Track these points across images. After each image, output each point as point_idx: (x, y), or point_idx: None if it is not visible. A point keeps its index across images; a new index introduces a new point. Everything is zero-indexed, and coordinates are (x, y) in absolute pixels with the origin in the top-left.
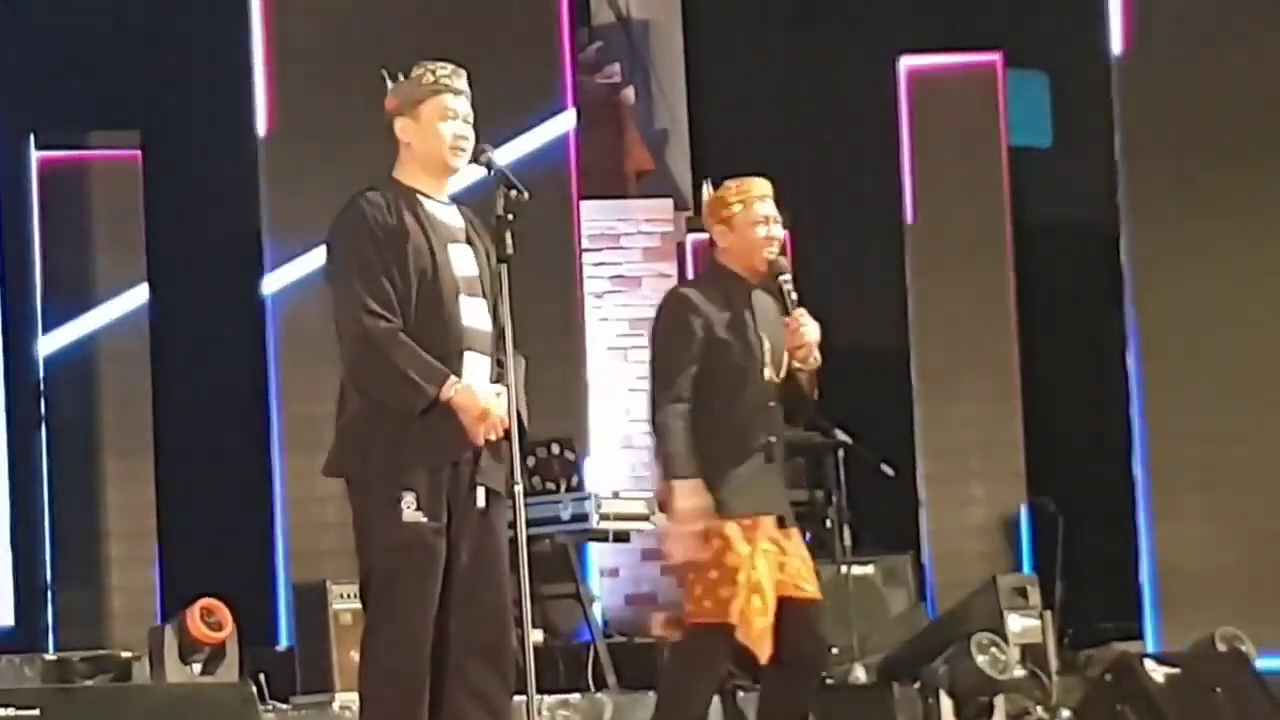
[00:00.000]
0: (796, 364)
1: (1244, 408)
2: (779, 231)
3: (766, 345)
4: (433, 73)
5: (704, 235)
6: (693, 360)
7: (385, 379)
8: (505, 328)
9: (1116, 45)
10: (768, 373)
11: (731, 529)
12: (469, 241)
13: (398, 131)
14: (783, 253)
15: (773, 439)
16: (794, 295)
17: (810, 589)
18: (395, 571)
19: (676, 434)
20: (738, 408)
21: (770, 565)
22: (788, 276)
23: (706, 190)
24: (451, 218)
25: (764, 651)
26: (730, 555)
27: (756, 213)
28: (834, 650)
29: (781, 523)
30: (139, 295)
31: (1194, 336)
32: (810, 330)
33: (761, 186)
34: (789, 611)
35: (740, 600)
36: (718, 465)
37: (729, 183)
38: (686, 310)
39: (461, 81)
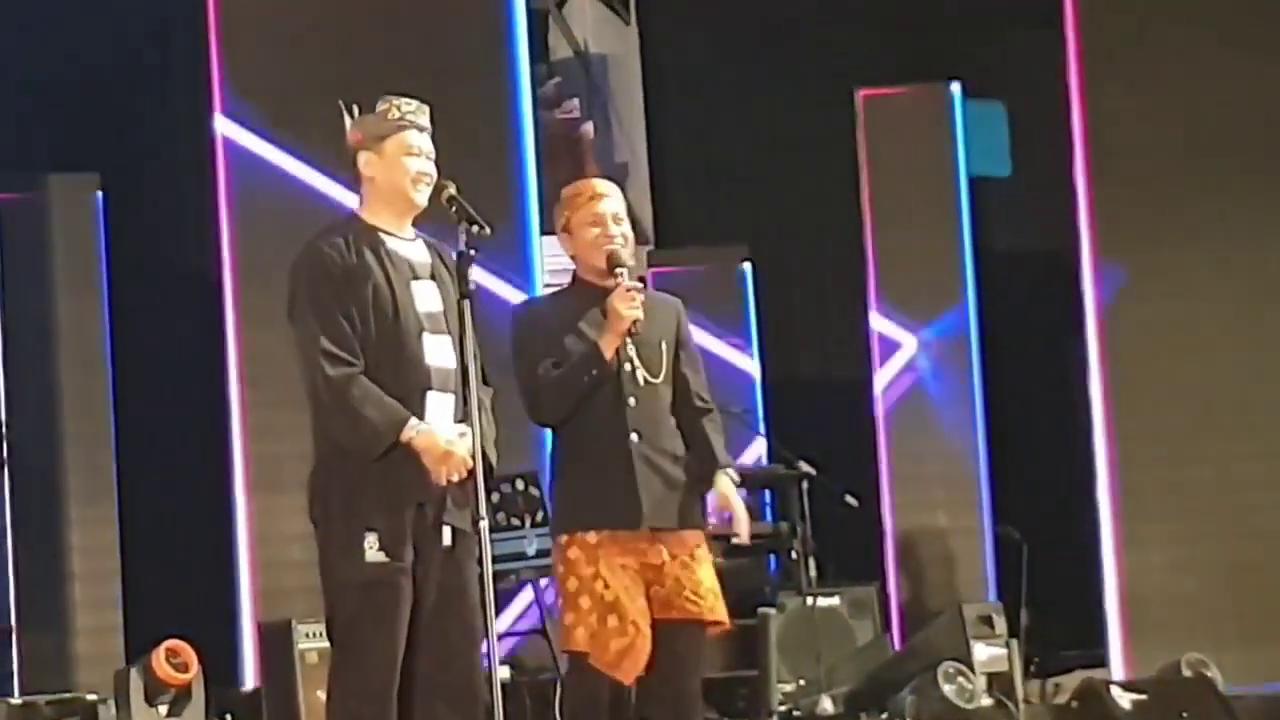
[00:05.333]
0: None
1: (1208, 435)
2: (618, 229)
3: (629, 347)
4: (398, 108)
5: (670, 269)
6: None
7: (344, 424)
8: (469, 364)
9: (1074, 73)
10: (640, 374)
11: (574, 550)
12: (434, 276)
13: (361, 165)
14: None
15: (634, 439)
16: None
17: (696, 607)
18: (360, 612)
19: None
20: (586, 415)
21: (633, 581)
22: (623, 270)
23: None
24: (415, 253)
25: (625, 674)
26: (570, 580)
27: (587, 213)
28: (801, 682)
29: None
30: (99, 335)
31: (1157, 364)
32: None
33: (596, 187)
34: (662, 631)
35: (587, 624)
36: (568, 477)
37: (566, 189)
38: (521, 324)
39: (425, 118)
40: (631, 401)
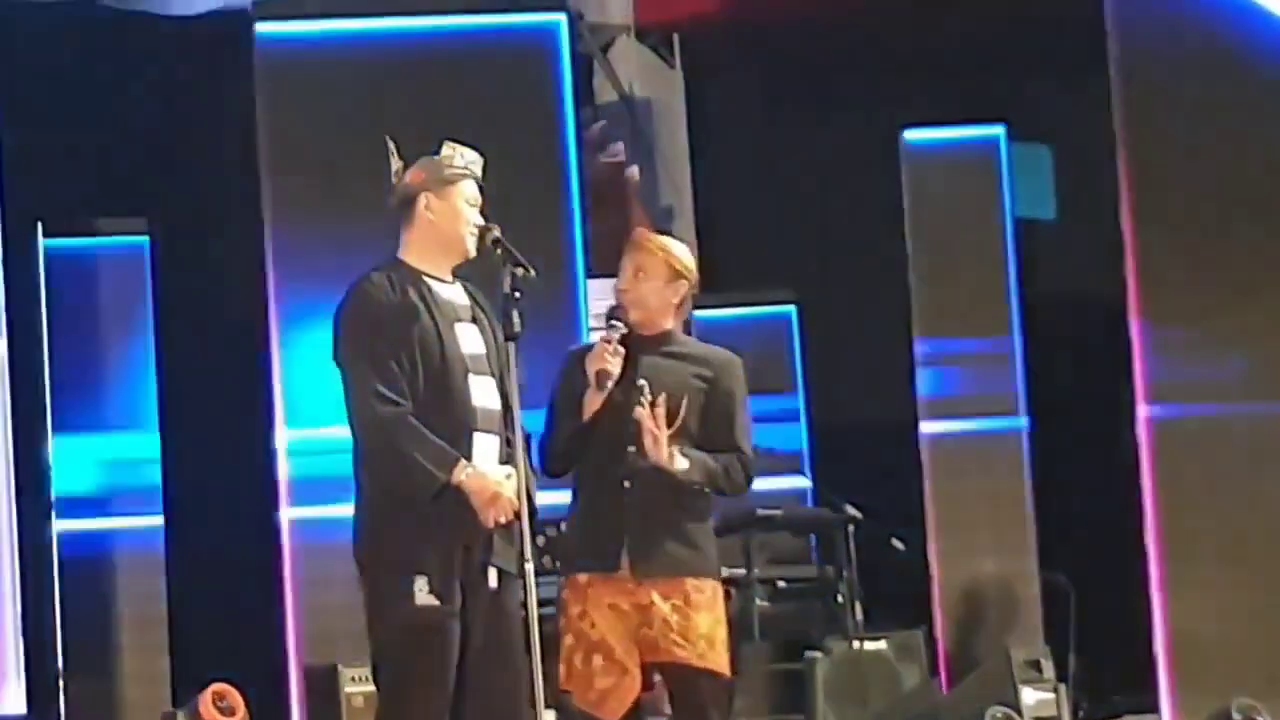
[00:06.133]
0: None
1: (1256, 477)
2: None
3: (647, 394)
4: (462, 155)
5: (714, 311)
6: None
7: (395, 465)
8: (513, 406)
9: (1119, 116)
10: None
11: (566, 590)
12: (475, 319)
13: (421, 207)
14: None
15: (626, 485)
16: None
17: (684, 651)
18: (407, 655)
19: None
20: (591, 461)
21: (623, 623)
22: (616, 322)
23: None
24: (456, 296)
25: (610, 713)
26: (560, 619)
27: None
28: None
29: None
30: (147, 381)
31: (1205, 404)
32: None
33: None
34: (666, 677)
35: (569, 663)
36: (570, 520)
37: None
38: (559, 373)
39: (480, 169)
40: (632, 449)
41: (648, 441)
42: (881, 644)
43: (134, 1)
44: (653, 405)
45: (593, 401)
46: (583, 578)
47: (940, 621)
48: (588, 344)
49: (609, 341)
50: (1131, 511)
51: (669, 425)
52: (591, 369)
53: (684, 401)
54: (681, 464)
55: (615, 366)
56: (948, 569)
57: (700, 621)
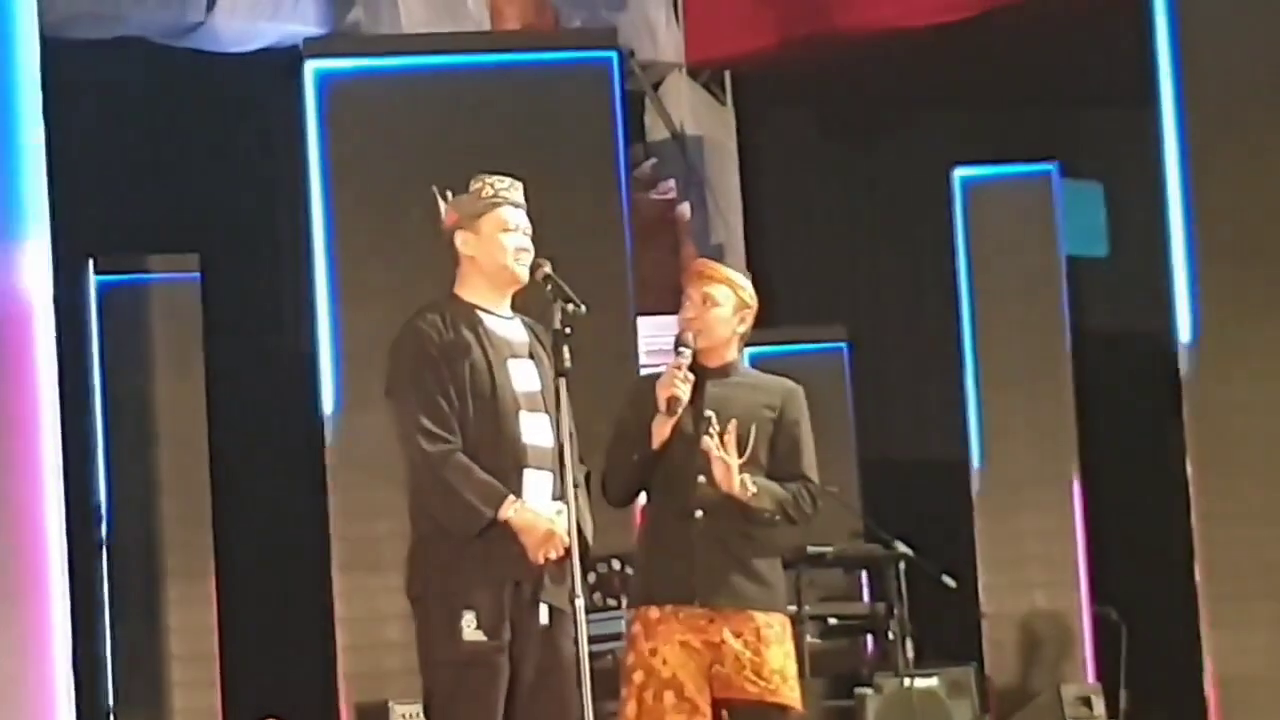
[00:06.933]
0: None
1: None
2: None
3: (715, 425)
4: (491, 185)
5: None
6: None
7: (441, 501)
8: (565, 443)
9: (1171, 153)
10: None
11: (637, 625)
12: (531, 355)
13: (459, 245)
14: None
15: (698, 515)
16: None
17: (756, 688)
18: (457, 691)
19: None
20: (660, 492)
21: (694, 660)
22: (685, 349)
23: None
24: (514, 332)
25: None
26: (629, 655)
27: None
28: None
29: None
30: (199, 415)
31: (1256, 445)
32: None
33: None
34: (733, 714)
35: (639, 699)
36: (640, 552)
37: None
38: (624, 403)
39: (518, 194)
40: (701, 479)
41: (719, 470)
42: (933, 680)
43: (186, 39)
44: (722, 435)
45: (662, 428)
46: (654, 613)
47: (991, 657)
48: (653, 374)
49: (679, 368)
50: (1183, 547)
51: (739, 454)
52: (662, 395)
53: (752, 430)
54: (753, 491)
55: (685, 392)
56: (998, 605)
57: (772, 657)
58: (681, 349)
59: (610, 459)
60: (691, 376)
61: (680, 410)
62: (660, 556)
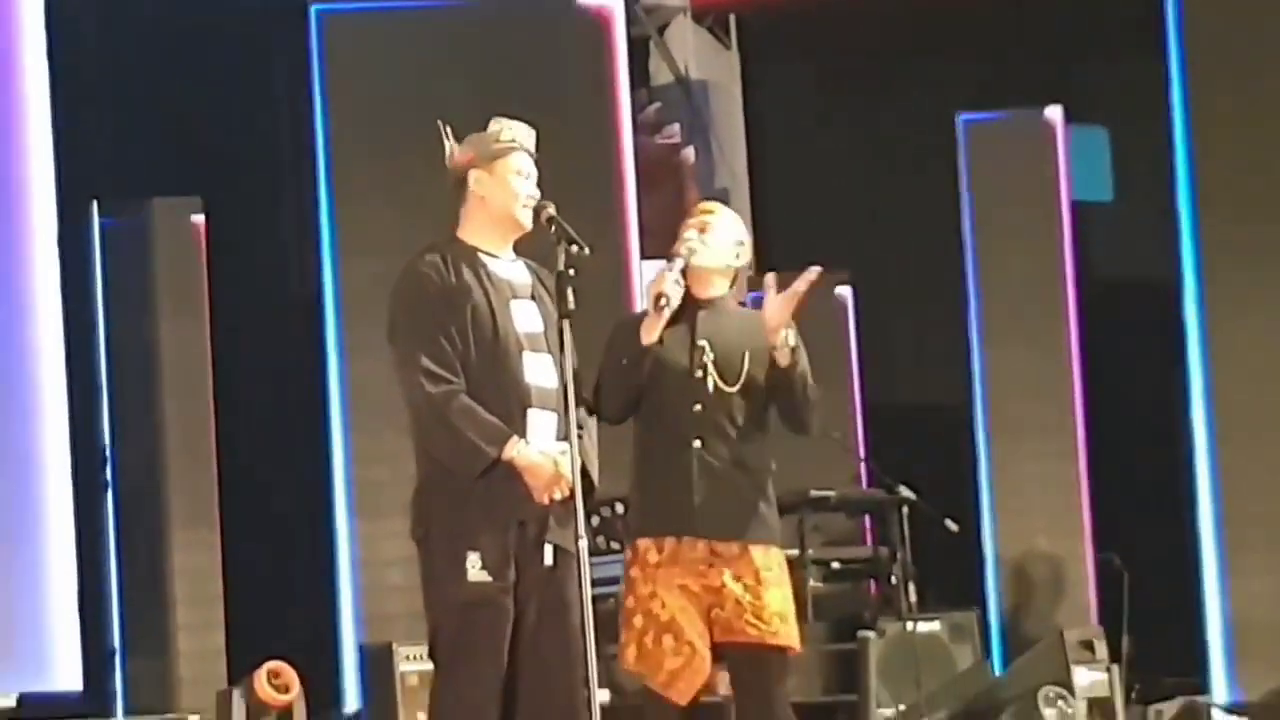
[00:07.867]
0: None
1: None
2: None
3: (709, 353)
4: (510, 129)
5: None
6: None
7: (445, 442)
8: (568, 384)
9: (1177, 97)
10: (710, 381)
11: (635, 569)
12: (534, 296)
13: (472, 184)
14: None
15: (696, 445)
16: None
17: (757, 631)
18: (462, 631)
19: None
20: (653, 421)
21: (694, 604)
22: (679, 258)
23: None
24: (515, 273)
25: (679, 695)
26: (629, 598)
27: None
28: (901, 707)
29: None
30: (202, 359)
31: (1260, 390)
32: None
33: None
34: (732, 658)
35: (640, 644)
36: (634, 484)
37: None
38: (613, 331)
39: (533, 141)
40: (698, 408)
41: (781, 308)
42: (935, 625)
43: None
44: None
45: (651, 326)
46: (653, 556)
47: (994, 602)
48: (638, 314)
49: (671, 270)
50: (1187, 492)
51: (731, 383)
52: (652, 291)
53: (745, 357)
54: (793, 345)
55: (675, 294)
56: (1002, 549)
57: (771, 599)
58: (675, 258)
59: (601, 375)
60: (683, 280)
61: (667, 311)
62: (658, 487)
